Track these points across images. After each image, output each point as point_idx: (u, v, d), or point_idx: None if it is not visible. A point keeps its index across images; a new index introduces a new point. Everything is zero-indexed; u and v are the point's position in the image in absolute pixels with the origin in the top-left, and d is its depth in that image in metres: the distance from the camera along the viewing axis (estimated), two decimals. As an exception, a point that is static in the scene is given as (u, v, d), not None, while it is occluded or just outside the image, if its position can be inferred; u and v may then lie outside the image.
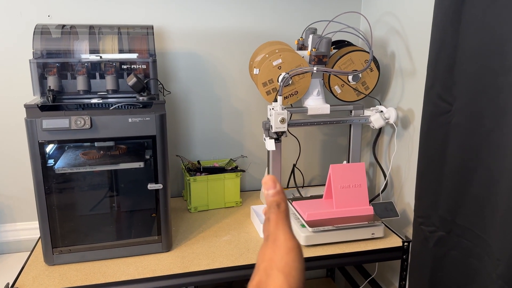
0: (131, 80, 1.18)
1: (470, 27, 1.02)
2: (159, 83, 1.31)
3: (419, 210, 1.22)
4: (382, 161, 1.64)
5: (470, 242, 1.10)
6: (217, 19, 1.62)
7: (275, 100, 1.39)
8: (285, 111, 1.35)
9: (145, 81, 1.23)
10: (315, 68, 1.29)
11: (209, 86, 1.68)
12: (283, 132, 1.39)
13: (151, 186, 1.22)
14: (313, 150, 1.84)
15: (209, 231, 1.42)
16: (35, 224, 1.61)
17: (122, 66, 1.24)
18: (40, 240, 1.27)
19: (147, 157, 1.25)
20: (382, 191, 1.55)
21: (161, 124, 1.19)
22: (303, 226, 1.34)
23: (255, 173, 1.80)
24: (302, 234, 1.30)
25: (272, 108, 1.37)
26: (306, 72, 1.34)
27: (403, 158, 1.50)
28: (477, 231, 1.07)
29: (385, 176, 1.53)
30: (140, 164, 1.23)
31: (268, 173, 1.51)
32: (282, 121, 1.35)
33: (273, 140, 1.39)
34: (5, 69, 1.47)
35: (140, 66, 1.26)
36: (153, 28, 1.32)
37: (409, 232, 1.46)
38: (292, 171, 1.67)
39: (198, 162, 1.70)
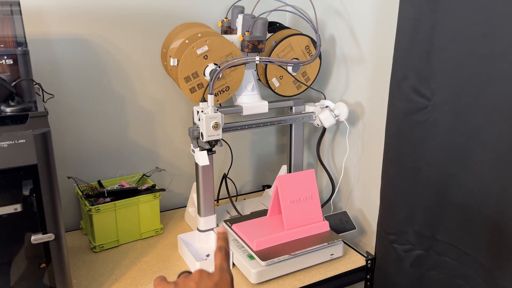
0: (-12, 83, 0.76)
1: (452, 2, 0.82)
2: (35, 84, 0.90)
3: (388, 225, 1.03)
4: (324, 162, 1.43)
5: (454, 261, 0.93)
6: (112, -6, 1.22)
7: (203, 100, 1.08)
8: (219, 113, 1.05)
9: (13, 83, 0.82)
10: (257, 58, 1.01)
11: (107, 83, 1.28)
12: (217, 141, 1.08)
13: (36, 239, 0.83)
14: (242, 153, 1.56)
15: (125, 279, 1.07)
16: None
17: (-29, 60, 0.81)
18: None
19: (26, 193, 0.85)
20: (331, 198, 1.34)
21: (44, 146, 0.80)
22: (251, 257, 1.06)
23: (177, 188, 1.46)
24: (253, 270, 1.02)
25: (201, 111, 1.05)
26: (245, 63, 1.05)
27: (351, 159, 1.31)
28: (463, 247, 0.91)
29: (332, 180, 1.33)
30: (16, 208, 0.82)
31: (198, 191, 1.20)
32: (216, 126, 1.05)
33: (206, 152, 1.08)
34: None
35: (4, 60, 0.84)
36: (19, 5, 0.90)
37: (367, 245, 1.29)
38: (225, 182, 1.38)
39: (99, 182, 1.31)
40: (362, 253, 1.17)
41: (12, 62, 0.84)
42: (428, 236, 0.96)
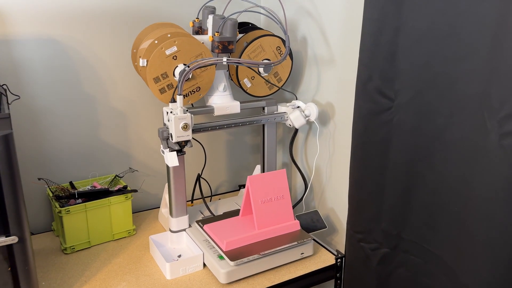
0: None
1: (415, 3, 0.84)
2: (3, 85, 0.88)
3: (356, 224, 1.05)
4: (298, 162, 1.44)
5: (419, 259, 0.95)
6: (82, -7, 1.21)
7: (173, 101, 1.08)
8: (188, 114, 1.05)
9: (-27, 84, 0.80)
10: (225, 59, 1.01)
11: (77, 83, 1.27)
12: (187, 142, 1.08)
13: (0, 241, 0.82)
14: (217, 153, 1.56)
15: (94, 281, 1.06)
16: None
17: None
18: None
19: (-11, 196, 0.83)
20: (303, 197, 1.35)
21: (6, 149, 0.79)
22: (221, 258, 1.06)
23: (150, 188, 1.46)
24: (222, 270, 1.03)
25: (171, 111, 1.05)
26: (213, 63, 1.05)
27: (323, 159, 1.32)
28: (427, 245, 0.93)
29: (305, 180, 1.34)
30: (-23, 211, 0.81)
31: (169, 191, 1.19)
32: (185, 127, 1.05)
33: (175, 152, 1.08)
34: None
35: (-38, 60, 0.82)
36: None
37: (338, 243, 1.30)
38: (198, 182, 1.38)
39: (71, 184, 1.30)
40: (332, 251, 1.19)
41: (-28, 63, 0.83)
42: (394, 234, 0.98)
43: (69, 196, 1.21)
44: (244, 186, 1.57)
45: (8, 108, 0.89)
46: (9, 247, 0.84)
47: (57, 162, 1.29)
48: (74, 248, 1.18)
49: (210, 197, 1.47)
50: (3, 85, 1.01)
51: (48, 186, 1.24)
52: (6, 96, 0.96)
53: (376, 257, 1.02)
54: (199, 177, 1.38)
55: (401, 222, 0.96)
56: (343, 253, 1.16)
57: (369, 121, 0.95)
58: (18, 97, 0.99)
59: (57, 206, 1.16)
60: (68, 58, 1.24)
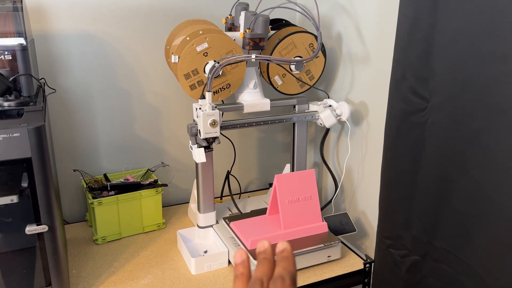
0: (-15, 78, 0.79)
1: (452, 1, 0.79)
2: (41, 79, 0.92)
3: (385, 229, 1.01)
4: (329, 163, 1.41)
5: (450, 269, 0.90)
6: (119, -9, 1.24)
7: (202, 97, 1.08)
8: (216, 110, 1.05)
9: (11, 78, 0.84)
10: (253, 56, 1.00)
11: (114, 78, 1.30)
12: (215, 138, 1.08)
13: (30, 230, 0.85)
14: (248, 151, 1.56)
15: (122, 272, 1.08)
16: None
17: (-28, 56, 0.84)
18: None
19: (24, 185, 0.87)
20: (332, 199, 1.32)
21: (38, 140, 0.82)
22: (246, 256, 1.06)
23: (180, 183, 1.48)
24: (246, 269, 1.02)
25: (200, 108, 1.06)
26: (241, 60, 1.04)
27: (355, 160, 1.28)
28: (460, 255, 0.87)
29: (335, 181, 1.31)
30: (12, 199, 0.85)
31: (197, 187, 1.20)
32: (213, 124, 1.05)
33: (203, 149, 1.08)
34: None
35: (3, 56, 0.86)
36: (22, 1, 0.92)
37: (369, 248, 1.26)
38: (227, 179, 1.38)
39: (105, 176, 1.34)
40: (361, 256, 1.15)
41: (11, 58, 0.87)
42: (424, 241, 0.93)
43: (102, 188, 1.25)
44: (274, 184, 1.56)
45: (44, 102, 0.92)
46: (40, 235, 0.88)
47: (92, 154, 1.34)
48: (105, 239, 1.22)
49: (239, 195, 1.47)
50: (41, 79, 1.05)
51: (83, 178, 1.29)
52: (44, 90, 1.00)
53: (405, 265, 0.97)
54: (228, 173, 1.38)
55: (432, 229, 0.91)
56: (373, 258, 1.12)
57: (401, 122, 0.91)
58: (54, 90, 1.03)
59: (90, 197, 1.19)
60: (105, 53, 1.27)
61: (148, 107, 1.37)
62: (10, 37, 0.89)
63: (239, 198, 1.43)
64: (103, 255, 1.16)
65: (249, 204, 1.36)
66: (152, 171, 1.38)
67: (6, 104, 0.83)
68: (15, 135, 0.79)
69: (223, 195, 1.44)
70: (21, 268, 0.93)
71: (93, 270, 1.09)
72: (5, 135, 0.79)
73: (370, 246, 1.26)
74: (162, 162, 1.43)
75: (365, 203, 1.27)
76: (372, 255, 1.15)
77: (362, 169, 1.26)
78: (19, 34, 0.89)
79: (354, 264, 1.12)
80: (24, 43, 0.87)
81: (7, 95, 0.84)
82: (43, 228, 0.86)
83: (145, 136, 1.39)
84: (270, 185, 1.61)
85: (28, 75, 0.87)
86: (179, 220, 1.36)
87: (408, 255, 0.97)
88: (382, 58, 1.13)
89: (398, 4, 0.97)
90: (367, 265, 1.11)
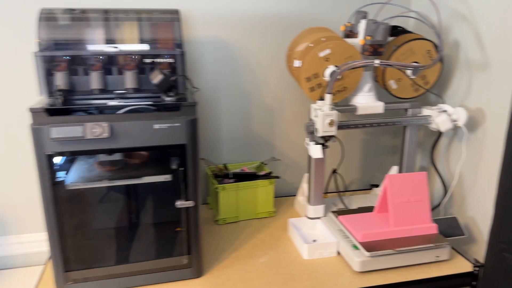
0: (157, 77, 0.97)
1: None
2: (186, 79, 1.10)
3: (501, 233, 1.02)
4: (438, 167, 1.43)
5: None
6: (246, 0, 1.39)
7: (321, 98, 1.18)
8: (335, 111, 1.14)
9: (173, 78, 1.02)
10: (377, 61, 1.07)
11: (237, 79, 1.46)
12: (331, 136, 1.18)
13: (179, 204, 1.03)
14: (352, 151, 1.63)
15: (242, 250, 1.23)
16: (42, 236, 1.43)
17: (144, 59, 1.03)
18: (48, 264, 1.09)
19: (174, 167, 1.05)
20: (441, 203, 1.34)
21: (192, 130, 0.98)
22: (355, 247, 1.14)
23: (289, 177, 1.60)
24: (357, 259, 1.10)
25: (319, 108, 1.16)
26: (365, 65, 1.12)
27: (468, 165, 1.29)
28: None
29: (444, 185, 1.33)
30: (167, 177, 1.03)
31: (309, 181, 1.31)
32: (331, 123, 1.14)
33: (320, 146, 1.18)
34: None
35: (166, 59, 1.05)
36: (178, 13, 1.11)
37: (476, 253, 1.27)
38: (334, 176, 1.46)
39: (225, 165, 1.50)
40: (470, 259, 1.16)
41: (172, 61, 1.05)
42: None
43: (223, 175, 1.41)
44: (375, 186, 1.61)
45: (193, 98, 1.10)
46: (186, 210, 1.05)
47: (215, 146, 1.51)
48: (225, 220, 1.38)
49: (343, 192, 1.55)
50: (187, 78, 1.23)
51: (208, 166, 1.46)
52: (189, 88, 1.18)
53: (521, 271, 0.98)
54: (334, 171, 1.47)
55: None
56: (482, 262, 1.13)
57: (526, 130, 0.92)
58: (198, 89, 1.20)
59: (215, 183, 1.36)
60: (232, 57, 1.44)
61: (264, 106, 1.51)
62: (171, 43, 1.07)
63: (344, 196, 1.51)
64: (224, 234, 1.32)
65: (353, 201, 1.44)
66: (264, 164, 1.52)
67: (168, 99, 1.01)
68: (176, 124, 0.97)
69: (327, 191, 1.53)
70: (166, 237, 1.11)
71: (217, 246, 1.25)
72: (169, 124, 0.96)
73: (477, 252, 1.26)
74: (273, 157, 1.56)
75: (475, 209, 1.27)
76: (480, 260, 1.16)
77: (474, 175, 1.27)
78: (177, 41, 1.07)
79: (462, 266, 1.14)
80: (183, 49, 1.05)
81: (168, 92, 1.02)
82: (190, 203, 1.03)
83: (260, 132, 1.53)
84: (372, 186, 1.66)
85: (184, 76, 1.04)
86: (286, 210, 1.48)
87: (525, 262, 0.97)
88: (503, 65, 1.13)
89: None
90: (476, 269, 1.12)
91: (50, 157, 0.92)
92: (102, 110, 1.01)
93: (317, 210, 1.32)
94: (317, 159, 1.26)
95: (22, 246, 1.43)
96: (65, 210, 0.97)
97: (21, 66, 1.27)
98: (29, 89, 1.29)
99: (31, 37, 1.25)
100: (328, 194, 1.54)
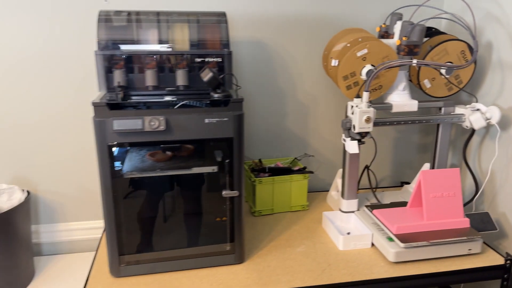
0: (208, 76, 1.04)
1: None
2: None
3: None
4: (469, 164, 1.46)
5: None
6: (284, 2, 1.46)
7: (357, 96, 1.24)
8: (372, 109, 1.19)
9: (221, 76, 1.09)
10: (415, 61, 1.12)
11: (273, 78, 1.53)
12: (367, 133, 1.23)
13: (226, 193, 1.10)
14: (383, 148, 1.68)
15: (279, 240, 1.29)
16: (89, 224, 1.53)
17: (194, 59, 1.10)
18: (100, 247, 1.18)
19: (219, 159, 1.12)
20: (472, 199, 1.38)
21: (239, 125, 1.05)
22: (390, 239, 1.19)
23: (320, 173, 1.66)
24: (392, 250, 1.15)
25: (356, 106, 1.21)
26: (402, 65, 1.17)
27: (500, 163, 1.33)
28: None
29: (476, 182, 1.36)
30: (214, 169, 1.10)
31: (343, 176, 1.36)
32: (368, 120, 1.20)
33: (356, 141, 1.24)
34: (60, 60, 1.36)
35: (214, 59, 1.12)
36: (225, 16, 1.18)
37: (507, 248, 1.30)
38: (367, 173, 1.52)
39: (260, 160, 1.57)
40: (501, 253, 1.20)
41: (219, 60, 1.12)
42: None
43: (260, 169, 1.48)
44: (406, 183, 1.65)
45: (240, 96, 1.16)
46: (231, 199, 1.12)
47: (252, 141, 1.58)
48: (261, 212, 1.45)
49: (374, 189, 1.60)
50: (232, 76, 1.30)
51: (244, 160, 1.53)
52: (233, 85, 1.25)
53: (554, 263, 1.01)
54: (367, 167, 1.52)
55: None
56: (514, 257, 1.17)
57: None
58: (240, 87, 1.27)
59: (252, 176, 1.43)
60: (269, 56, 1.50)
61: (299, 104, 1.57)
62: (218, 44, 1.14)
63: (376, 191, 1.55)
64: (261, 224, 1.39)
65: (385, 196, 1.48)
66: (298, 159, 1.58)
67: (216, 96, 1.08)
68: (224, 119, 1.04)
69: (359, 187, 1.58)
70: (210, 225, 1.19)
71: (255, 236, 1.32)
72: (218, 119, 1.03)
73: (508, 247, 1.30)
74: (305, 153, 1.62)
75: (507, 205, 1.31)
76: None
77: (506, 173, 1.30)
78: (224, 41, 1.14)
79: (494, 260, 1.18)
80: (229, 49, 1.12)
81: (217, 89, 1.09)
82: (236, 193, 1.10)
83: (294, 129, 1.60)
84: (403, 183, 1.70)
85: (231, 74, 1.12)
86: (319, 205, 1.54)
87: (558, 255, 1.01)
88: (538, 66, 1.17)
89: None
90: (508, 262, 1.16)
91: (110, 147, 1.00)
92: (157, 105, 1.09)
93: (351, 204, 1.37)
94: (352, 155, 1.32)
95: (68, 233, 1.53)
96: (121, 198, 1.05)
97: (77, 64, 1.36)
98: (73, 85, 1.39)
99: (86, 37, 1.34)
100: (359, 190, 1.59)
